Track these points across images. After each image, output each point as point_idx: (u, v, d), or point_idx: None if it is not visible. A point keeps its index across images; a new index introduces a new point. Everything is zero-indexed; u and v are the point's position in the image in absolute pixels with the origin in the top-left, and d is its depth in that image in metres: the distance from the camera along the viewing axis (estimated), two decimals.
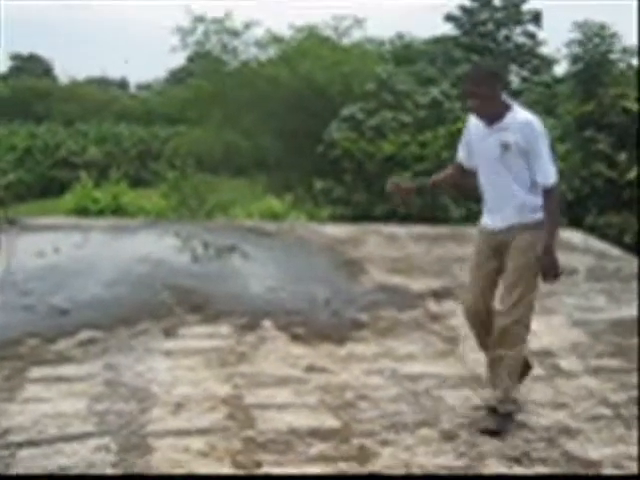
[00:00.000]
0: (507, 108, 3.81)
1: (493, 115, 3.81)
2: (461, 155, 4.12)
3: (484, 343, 4.06)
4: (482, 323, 4.00)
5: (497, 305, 3.95)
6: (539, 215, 3.83)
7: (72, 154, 31.48)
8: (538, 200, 3.82)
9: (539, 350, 5.06)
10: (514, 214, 3.85)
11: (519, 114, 3.79)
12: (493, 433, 3.79)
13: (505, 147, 3.77)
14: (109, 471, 3.35)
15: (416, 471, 3.43)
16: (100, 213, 12.97)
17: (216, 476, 3.33)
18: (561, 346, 5.17)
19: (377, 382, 4.44)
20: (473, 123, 3.97)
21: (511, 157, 3.77)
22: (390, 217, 13.83)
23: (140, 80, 63.96)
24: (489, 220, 3.98)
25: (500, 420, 3.86)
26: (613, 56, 23.32)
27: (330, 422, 3.90)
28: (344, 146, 16.45)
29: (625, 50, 23.73)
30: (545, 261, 3.78)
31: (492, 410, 3.92)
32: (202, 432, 3.73)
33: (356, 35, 26.32)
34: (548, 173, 3.76)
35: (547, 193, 3.78)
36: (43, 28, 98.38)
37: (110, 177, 16.05)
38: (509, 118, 3.78)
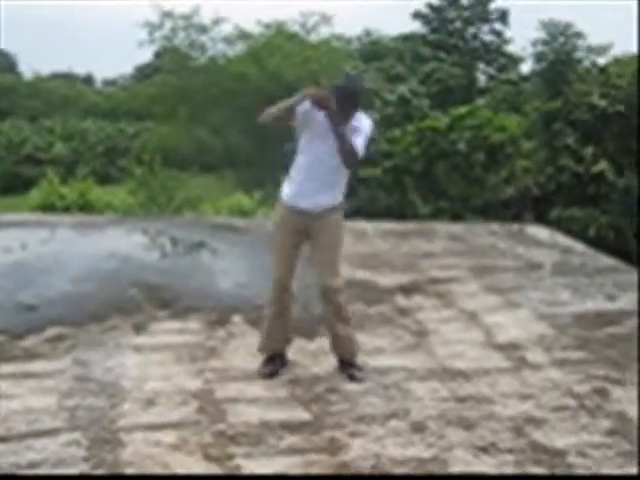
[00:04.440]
0: None
1: None
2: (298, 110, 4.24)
3: (284, 321, 4.50)
4: (286, 294, 4.44)
5: (321, 273, 4.36)
6: (339, 198, 4.44)
7: (38, 150, 31.14)
8: (341, 186, 4.44)
9: (506, 343, 5.15)
10: (325, 196, 4.36)
11: (357, 117, 4.30)
12: (354, 379, 4.39)
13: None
14: (80, 466, 3.34)
15: (386, 462, 3.48)
16: (66, 210, 12.85)
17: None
18: (527, 339, 5.26)
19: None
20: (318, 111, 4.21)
21: None
22: (357, 213, 13.90)
23: (106, 76, 63.43)
24: (297, 200, 4.36)
25: (362, 371, 4.48)
26: (578, 54, 23.67)
27: (300, 415, 3.94)
28: None
29: (590, 49, 24.10)
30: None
31: (348, 364, 4.48)
32: (173, 426, 3.74)
33: (324, 32, 26.35)
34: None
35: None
36: (7, 23, 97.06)
37: (77, 173, 15.90)
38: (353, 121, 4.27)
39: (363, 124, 4.31)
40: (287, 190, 4.44)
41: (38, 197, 13.88)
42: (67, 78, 51.90)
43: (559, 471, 3.47)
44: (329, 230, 4.39)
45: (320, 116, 4.18)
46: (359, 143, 4.24)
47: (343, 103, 4.17)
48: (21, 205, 15.70)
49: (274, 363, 4.50)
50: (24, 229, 7.91)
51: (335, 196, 4.42)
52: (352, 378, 4.40)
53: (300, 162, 4.37)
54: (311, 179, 4.33)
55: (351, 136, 4.20)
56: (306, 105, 4.19)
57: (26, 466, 3.33)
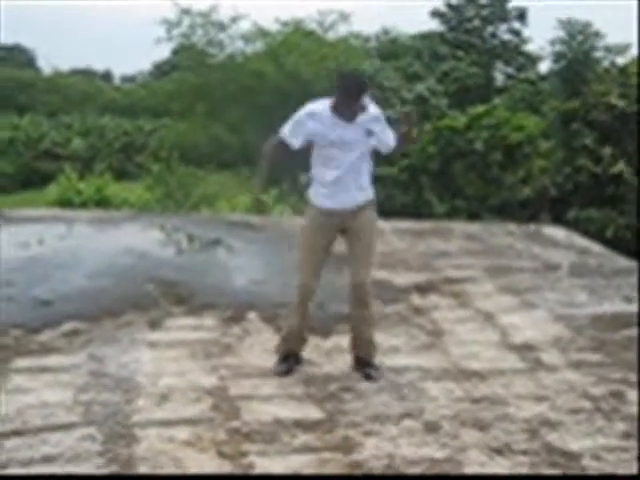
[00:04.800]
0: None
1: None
2: (296, 139, 4.32)
3: (304, 321, 4.46)
4: (312, 298, 4.43)
5: (357, 269, 4.40)
6: (371, 193, 4.46)
7: (56, 146, 31.34)
8: (369, 181, 4.44)
9: (522, 344, 5.12)
10: (359, 194, 4.38)
11: (371, 106, 4.33)
12: (370, 378, 4.37)
13: (370, 133, 4.30)
14: (95, 461, 3.36)
15: (399, 462, 3.47)
16: (84, 205, 12.93)
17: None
18: (543, 340, 5.22)
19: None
20: (325, 116, 4.24)
21: (369, 142, 4.33)
22: None
23: (125, 72, 63.73)
24: (331, 202, 4.36)
25: (378, 371, 4.45)
26: (596, 54, 23.50)
27: (314, 413, 3.94)
28: None
29: (608, 48, 23.92)
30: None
31: (365, 363, 4.47)
32: (187, 422, 3.75)
33: (341, 30, 26.33)
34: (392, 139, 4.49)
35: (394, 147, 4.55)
36: (27, 18, 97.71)
37: (94, 169, 16.00)
38: (369, 109, 4.29)
39: (378, 111, 4.36)
40: (316, 193, 4.43)
41: (55, 192, 14.01)
42: (86, 74, 52.21)
43: (572, 473, 3.44)
44: (365, 227, 4.41)
45: (335, 132, 4.21)
46: (390, 136, 4.45)
47: (348, 92, 4.15)
48: (39, 200, 15.83)
49: (289, 361, 4.50)
50: (41, 224, 7.96)
51: (365, 190, 4.42)
52: (368, 377, 4.40)
53: (323, 166, 4.36)
54: (340, 181, 4.31)
55: (375, 126, 4.31)
56: (317, 124, 4.23)
57: (41, 460, 3.35)
